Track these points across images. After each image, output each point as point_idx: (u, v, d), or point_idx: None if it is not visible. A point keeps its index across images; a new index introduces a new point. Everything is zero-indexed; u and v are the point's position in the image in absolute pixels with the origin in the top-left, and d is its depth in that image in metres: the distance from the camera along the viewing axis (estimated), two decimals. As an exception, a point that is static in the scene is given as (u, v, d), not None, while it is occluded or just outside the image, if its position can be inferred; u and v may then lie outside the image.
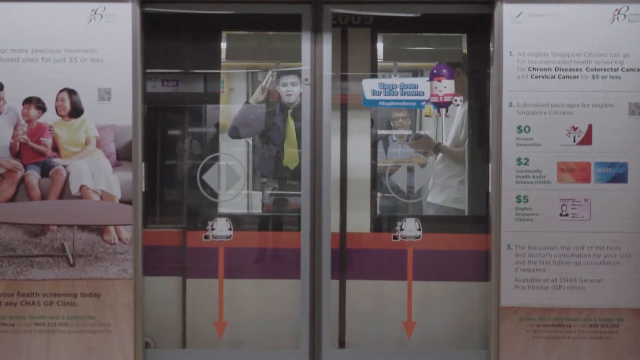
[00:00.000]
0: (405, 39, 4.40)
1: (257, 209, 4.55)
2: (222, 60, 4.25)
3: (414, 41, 4.42)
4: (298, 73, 4.06)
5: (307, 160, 3.90)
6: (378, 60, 4.13)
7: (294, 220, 4.06)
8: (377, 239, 4.03)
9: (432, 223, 4.05)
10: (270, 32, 4.40)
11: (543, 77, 3.67)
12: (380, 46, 4.17)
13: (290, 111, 4.22)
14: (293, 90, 4.18)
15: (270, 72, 4.22)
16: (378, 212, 4.15)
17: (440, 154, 4.24)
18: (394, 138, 4.40)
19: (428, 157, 4.30)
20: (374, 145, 4.12)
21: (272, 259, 4.09)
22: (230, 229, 3.97)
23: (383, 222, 4.09)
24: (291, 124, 4.22)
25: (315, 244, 3.90)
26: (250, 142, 4.69)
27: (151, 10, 3.81)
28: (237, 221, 4.02)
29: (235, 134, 4.25)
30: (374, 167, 4.10)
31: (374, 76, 4.05)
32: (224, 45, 4.26)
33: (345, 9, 3.89)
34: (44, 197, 3.75)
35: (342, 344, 4.03)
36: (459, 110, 4.11)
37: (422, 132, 4.43)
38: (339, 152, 4.04)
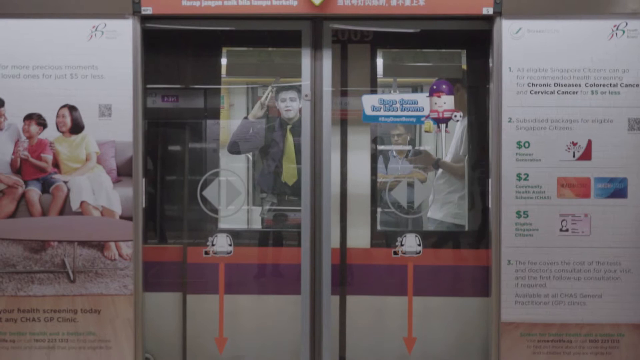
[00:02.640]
0: (405, 55, 4.41)
1: (257, 225, 4.55)
2: (222, 76, 4.26)
3: (413, 57, 4.43)
4: (297, 88, 4.07)
5: (307, 176, 3.90)
6: (378, 76, 4.13)
7: (293, 236, 4.07)
8: (378, 255, 4.03)
9: (431, 238, 4.05)
10: (270, 49, 4.40)
11: (542, 93, 3.68)
12: (380, 62, 4.18)
13: (289, 127, 4.23)
14: (292, 105, 4.19)
15: (269, 88, 4.23)
16: (378, 227, 4.15)
17: (440, 170, 4.25)
18: (394, 153, 4.40)
19: (428, 172, 4.31)
20: (373, 161, 4.12)
21: (272, 275, 4.08)
22: (230, 245, 3.97)
23: (384, 238, 4.09)
24: (290, 139, 4.22)
25: (316, 260, 3.90)
26: (251, 157, 4.70)
27: (152, 26, 3.82)
28: (237, 237, 4.02)
29: (234, 149, 4.26)
30: (373, 182, 4.10)
31: (374, 92, 4.06)
32: (224, 61, 4.28)
33: (344, 25, 3.90)
34: (44, 213, 3.75)
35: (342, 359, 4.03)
36: (459, 126, 4.12)
37: (421, 148, 4.43)
38: (339, 168, 4.04)
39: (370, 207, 4.07)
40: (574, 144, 3.69)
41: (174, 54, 4.10)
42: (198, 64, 4.20)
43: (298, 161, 4.08)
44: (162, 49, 4.01)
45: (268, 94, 4.19)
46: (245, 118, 4.30)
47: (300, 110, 3.98)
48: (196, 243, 4.03)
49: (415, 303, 3.97)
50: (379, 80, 4.14)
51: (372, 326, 4.02)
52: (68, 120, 3.74)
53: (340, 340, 4.01)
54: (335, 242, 4.00)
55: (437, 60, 4.39)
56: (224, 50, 4.25)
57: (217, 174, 4.07)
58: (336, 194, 4.02)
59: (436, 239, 4.09)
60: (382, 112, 3.88)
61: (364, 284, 4.01)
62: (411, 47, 4.29)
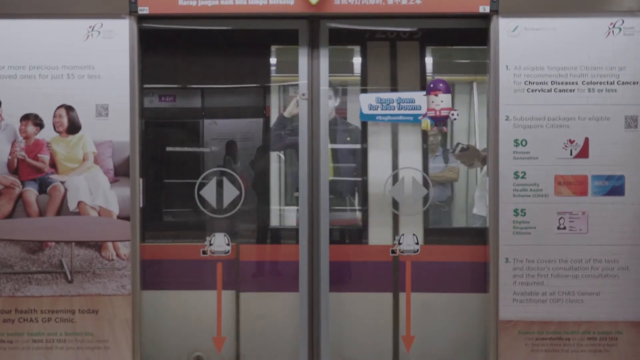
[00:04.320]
0: (454, 52, 4.41)
1: (291, 223, 4.48)
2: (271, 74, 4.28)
3: (463, 54, 4.43)
4: (333, 87, 4.08)
5: (304, 174, 3.90)
6: (427, 74, 4.12)
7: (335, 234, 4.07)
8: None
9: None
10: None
11: (539, 91, 3.69)
12: (429, 60, 4.18)
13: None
14: (328, 103, 4.14)
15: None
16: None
17: (486, 166, 4.20)
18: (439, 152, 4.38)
19: (475, 168, 4.30)
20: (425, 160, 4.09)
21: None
22: (228, 244, 3.96)
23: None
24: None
25: (313, 256, 3.91)
26: (282, 155, 4.65)
27: (148, 26, 3.82)
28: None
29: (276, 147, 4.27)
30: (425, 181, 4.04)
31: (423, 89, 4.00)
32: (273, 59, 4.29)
33: (342, 24, 3.90)
34: (41, 213, 3.75)
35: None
36: None
37: (466, 144, 4.41)
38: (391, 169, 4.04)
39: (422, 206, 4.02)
40: (571, 141, 3.69)
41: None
42: (249, 63, 4.20)
43: (334, 159, 4.08)
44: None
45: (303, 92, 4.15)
46: (282, 115, 4.27)
47: (335, 109, 4.01)
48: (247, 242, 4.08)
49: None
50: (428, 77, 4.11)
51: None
52: (65, 121, 3.74)
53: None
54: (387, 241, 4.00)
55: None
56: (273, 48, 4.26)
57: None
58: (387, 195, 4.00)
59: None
60: (379, 111, 3.88)
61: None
62: (461, 44, 4.27)
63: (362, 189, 4.11)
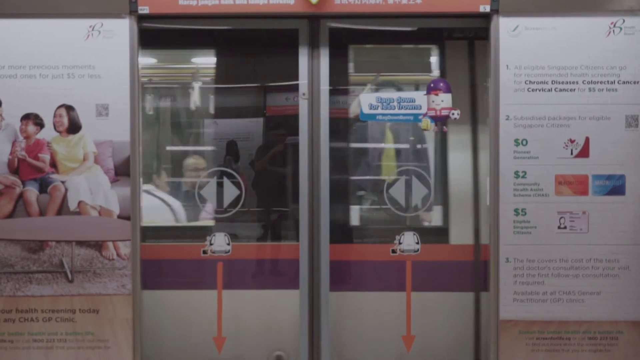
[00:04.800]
0: None
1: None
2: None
3: None
4: (397, 86, 4.15)
5: (305, 173, 3.91)
6: None
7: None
8: None
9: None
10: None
11: (540, 90, 3.68)
12: None
13: (388, 125, 4.19)
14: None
15: (368, 86, 4.20)
16: None
17: None
18: None
19: None
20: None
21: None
22: (228, 244, 3.96)
23: None
24: (389, 137, 4.21)
25: (314, 255, 3.91)
26: None
27: (149, 26, 3.82)
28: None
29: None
30: None
31: None
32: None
33: (342, 23, 3.90)
34: (42, 213, 3.75)
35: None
36: None
37: None
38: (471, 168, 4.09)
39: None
40: (572, 141, 3.69)
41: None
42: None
43: (398, 159, 4.06)
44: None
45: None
46: None
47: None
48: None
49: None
50: None
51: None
52: (65, 120, 3.74)
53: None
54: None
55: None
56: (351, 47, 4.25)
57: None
58: (468, 192, 4.04)
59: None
60: (379, 111, 3.87)
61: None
62: None
63: (442, 188, 4.13)
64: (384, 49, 4.53)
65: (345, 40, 4.14)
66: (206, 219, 4.21)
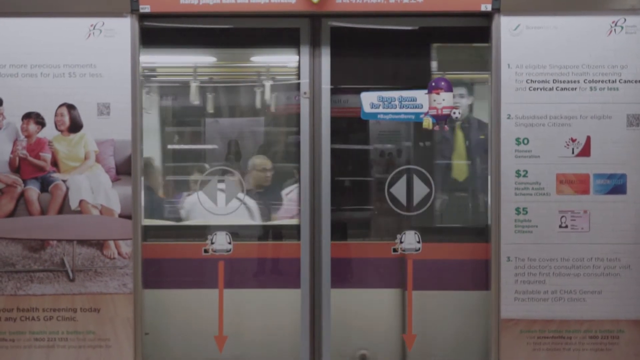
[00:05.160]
0: None
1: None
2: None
3: None
4: (467, 85, 4.13)
5: (305, 172, 3.91)
6: None
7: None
8: None
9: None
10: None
11: (541, 89, 3.68)
12: None
13: (458, 123, 4.18)
14: (461, 102, 4.09)
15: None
16: None
17: None
18: None
19: None
20: None
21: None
22: (229, 243, 3.96)
23: None
24: (460, 136, 4.21)
25: (315, 253, 3.92)
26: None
27: (150, 25, 3.82)
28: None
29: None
30: None
31: None
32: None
33: (344, 22, 3.90)
34: (43, 212, 3.75)
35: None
36: None
37: None
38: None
39: None
40: (573, 140, 3.69)
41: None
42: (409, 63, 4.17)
43: (469, 157, 4.10)
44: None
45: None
46: None
47: (470, 107, 4.06)
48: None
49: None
50: None
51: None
52: (66, 119, 3.74)
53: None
54: None
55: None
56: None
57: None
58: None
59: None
60: (380, 110, 3.87)
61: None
62: None
63: None
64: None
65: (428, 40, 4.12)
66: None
